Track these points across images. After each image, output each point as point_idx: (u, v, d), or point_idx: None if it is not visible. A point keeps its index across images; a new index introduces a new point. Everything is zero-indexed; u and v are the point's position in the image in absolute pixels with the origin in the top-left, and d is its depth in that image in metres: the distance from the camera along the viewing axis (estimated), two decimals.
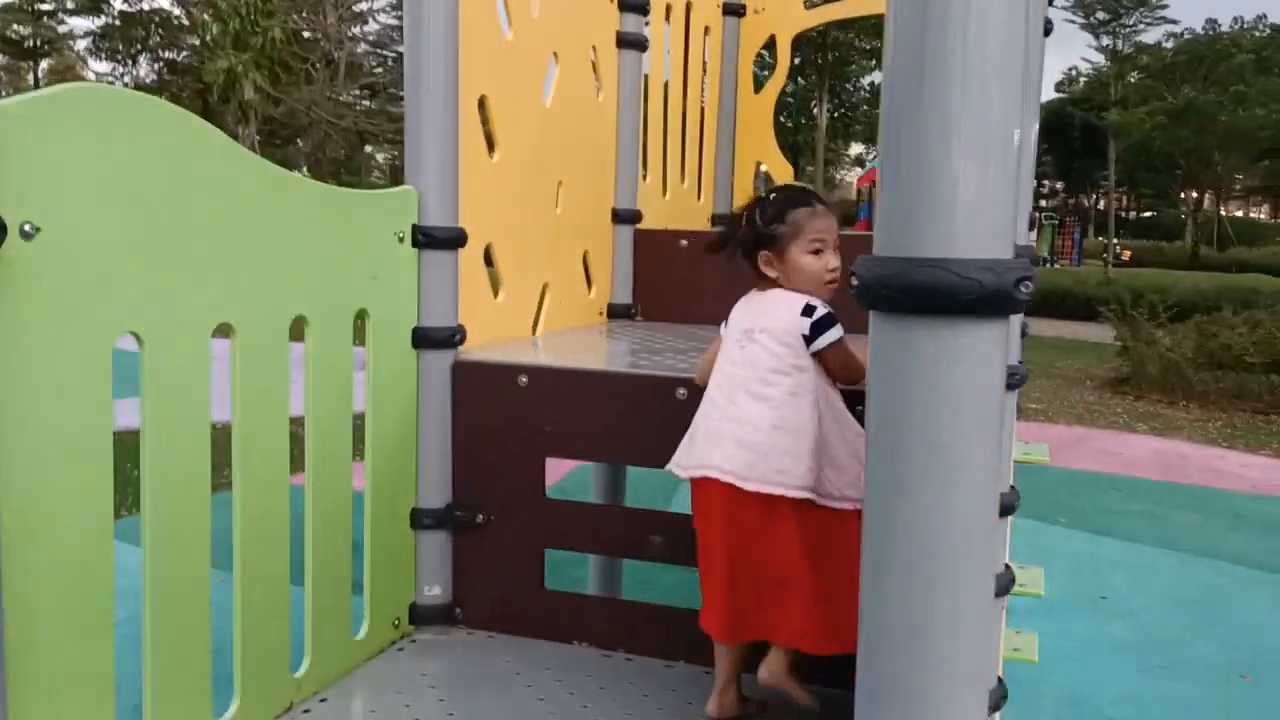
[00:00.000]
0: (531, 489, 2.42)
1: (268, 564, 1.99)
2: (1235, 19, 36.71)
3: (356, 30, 34.04)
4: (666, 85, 3.77)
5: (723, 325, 2.11)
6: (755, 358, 1.97)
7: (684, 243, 3.44)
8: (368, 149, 38.08)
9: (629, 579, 3.51)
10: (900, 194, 0.96)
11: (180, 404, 1.74)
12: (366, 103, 36.69)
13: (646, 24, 3.50)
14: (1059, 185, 52.04)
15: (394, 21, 35.10)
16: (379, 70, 36.08)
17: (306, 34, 30.40)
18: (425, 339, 2.40)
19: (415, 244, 2.36)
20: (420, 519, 2.43)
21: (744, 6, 4.25)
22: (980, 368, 0.93)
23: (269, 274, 1.94)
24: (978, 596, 0.96)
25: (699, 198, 4.14)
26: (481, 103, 2.57)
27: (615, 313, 3.44)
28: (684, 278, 3.43)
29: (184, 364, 1.74)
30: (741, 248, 2.08)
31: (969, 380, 0.93)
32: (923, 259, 0.91)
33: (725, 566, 1.96)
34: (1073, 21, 33.13)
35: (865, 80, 31.97)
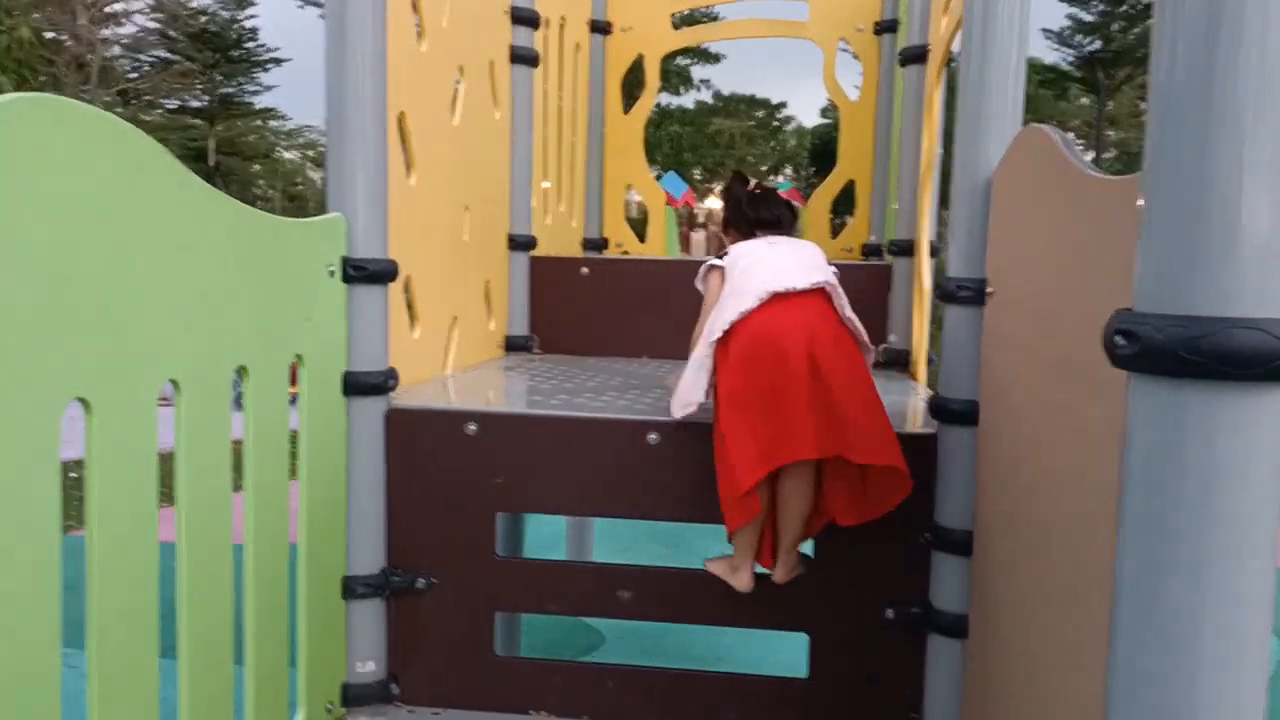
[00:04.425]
0: (480, 547, 2.20)
1: (214, 653, 1.68)
2: None
3: (109, 32, 31.45)
4: (545, 103, 3.59)
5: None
6: None
7: (585, 270, 3.28)
8: None
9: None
10: (1182, 235, 0.84)
11: (131, 481, 1.44)
12: (120, 109, 34.00)
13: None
14: None
15: (152, 24, 32.74)
16: (134, 75, 33.50)
17: (50, 34, 27.79)
18: (356, 385, 2.13)
19: (346, 278, 2.10)
20: (352, 587, 2.15)
21: (611, 25, 4.13)
22: (1271, 436, 0.85)
23: (213, 318, 1.64)
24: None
25: (573, 221, 3.98)
26: (399, 121, 2.32)
27: (513, 345, 3.23)
28: (584, 308, 3.27)
29: (134, 435, 1.43)
30: None
31: (1259, 449, 0.85)
32: (1234, 319, 0.81)
33: None
34: None
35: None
